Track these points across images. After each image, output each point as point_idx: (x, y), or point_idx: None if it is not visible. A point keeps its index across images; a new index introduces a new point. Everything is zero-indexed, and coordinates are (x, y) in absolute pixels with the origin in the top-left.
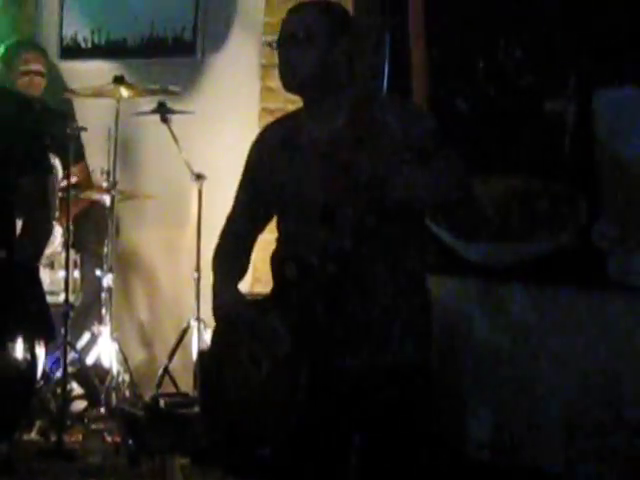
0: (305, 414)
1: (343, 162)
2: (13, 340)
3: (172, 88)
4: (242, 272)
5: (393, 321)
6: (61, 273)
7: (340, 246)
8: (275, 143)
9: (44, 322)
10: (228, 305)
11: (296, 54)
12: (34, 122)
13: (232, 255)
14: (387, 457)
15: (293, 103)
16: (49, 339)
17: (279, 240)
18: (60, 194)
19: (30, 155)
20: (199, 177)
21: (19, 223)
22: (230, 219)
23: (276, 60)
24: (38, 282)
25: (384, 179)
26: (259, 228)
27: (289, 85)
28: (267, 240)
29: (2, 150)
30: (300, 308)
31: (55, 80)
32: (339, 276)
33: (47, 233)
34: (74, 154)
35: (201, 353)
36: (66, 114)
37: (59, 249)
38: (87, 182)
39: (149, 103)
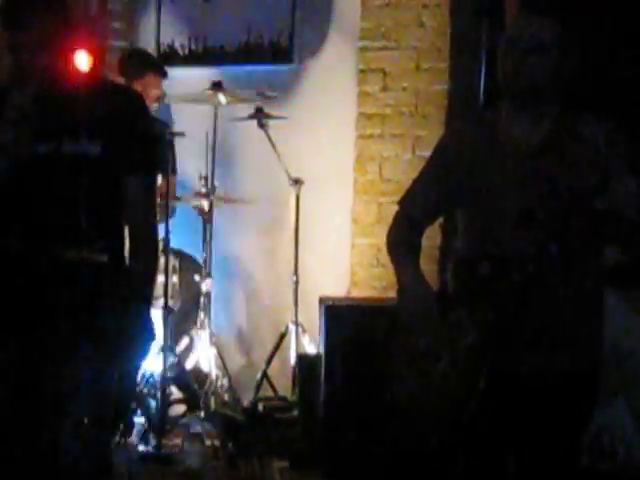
0: (478, 412)
1: (545, 168)
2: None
3: (269, 93)
4: (419, 259)
5: (579, 329)
6: (160, 278)
7: (540, 250)
8: (471, 141)
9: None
10: (417, 296)
11: (534, 61)
12: (147, 122)
13: (411, 243)
14: (548, 464)
15: (391, 107)
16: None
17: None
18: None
19: (141, 154)
20: (297, 182)
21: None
22: (407, 206)
23: (373, 65)
24: None
25: (591, 189)
26: (434, 219)
27: (519, 90)
28: (364, 245)
29: (113, 146)
30: (490, 307)
31: None
32: (535, 278)
33: (155, 257)
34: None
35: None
36: (166, 122)
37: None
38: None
39: (246, 109)
